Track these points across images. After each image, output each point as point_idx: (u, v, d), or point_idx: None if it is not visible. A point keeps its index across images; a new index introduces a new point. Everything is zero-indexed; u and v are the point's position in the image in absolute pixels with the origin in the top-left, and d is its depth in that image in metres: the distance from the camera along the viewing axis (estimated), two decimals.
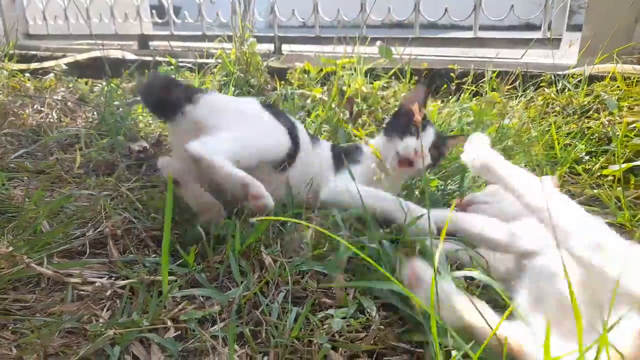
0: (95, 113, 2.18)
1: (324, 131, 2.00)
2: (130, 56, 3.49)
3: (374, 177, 1.29)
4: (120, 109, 2.13)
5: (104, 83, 2.26)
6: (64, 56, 3.55)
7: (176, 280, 1.01)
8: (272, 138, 1.26)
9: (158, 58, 3.12)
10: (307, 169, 1.35)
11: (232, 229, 1.10)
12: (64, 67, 3.22)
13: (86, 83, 3.05)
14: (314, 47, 3.30)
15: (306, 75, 2.64)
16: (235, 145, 1.16)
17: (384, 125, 1.56)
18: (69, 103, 2.34)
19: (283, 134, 1.30)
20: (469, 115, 1.86)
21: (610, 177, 1.64)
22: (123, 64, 3.08)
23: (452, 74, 2.51)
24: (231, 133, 1.18)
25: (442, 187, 1.50)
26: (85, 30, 4.00)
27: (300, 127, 1.41)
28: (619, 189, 1.40)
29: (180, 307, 0.96)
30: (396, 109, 1.48)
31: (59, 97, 2.45)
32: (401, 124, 1.39)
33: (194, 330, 0.90)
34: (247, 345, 0.87)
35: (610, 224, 1.41)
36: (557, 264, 0.72)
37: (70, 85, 2.83)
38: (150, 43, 4.02)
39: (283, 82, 2.64)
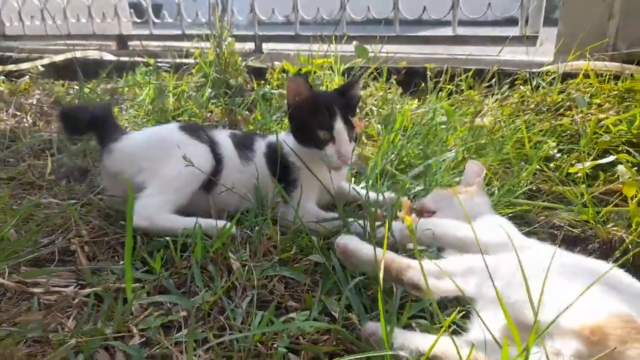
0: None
1: None
2: (108, 57, 3.46)
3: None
4: None
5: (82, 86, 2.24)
6: (40, 57, 3.51)
7: (143, 287, 1.02)
8: (196, 164, 1.25)
9: (137, 58, 3.10)
10: (238, 177, 1.36)
11: (195, 236, 1.11)
12: (41, 68, 3.18)
13: (63, 85, 3.02)
14: (294, 45, 3.30)
15: (285, 75, 2.64)
16: (166, 196, 1.24)
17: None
18: (44, 107, 2.31)
19: (204, 154, 1.32)
20: (442, 115, 1.89)
21: (579, 174, 1.67)
22: (101, 64, 3.05)
23: (428, 73, 2.53)
24: (155, 182, 1.24)
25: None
26: (62, 30, 3.95)
27: (221, 139, 1.41)
28: (583, 186, 1.42)
29: (146, 313, 0.96)
30: (289, 110, 1.34)
31: (34, 101, 2.42)
32: (307, 130, 1.29)
33: (161, 337, 0.91)
34: (212, 350, 0.89)
35: (576, 221, 1.46)
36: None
37: (46, 88, 2.80)
38: (129, 43, 3.99)
39: (263, 81, 2.64)
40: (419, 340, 0.77)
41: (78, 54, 3.55)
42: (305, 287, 1.06)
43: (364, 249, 0.93)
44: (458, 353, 0.68)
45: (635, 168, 1.54)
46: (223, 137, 1.43)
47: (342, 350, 0.87)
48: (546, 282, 0.68)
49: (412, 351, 0.76)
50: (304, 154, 1.30)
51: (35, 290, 0.98)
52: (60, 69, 3.36)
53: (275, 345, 0.83)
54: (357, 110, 1.52)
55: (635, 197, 1.29)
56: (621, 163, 1.47)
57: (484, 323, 0.71)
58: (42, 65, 3.27)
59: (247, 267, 1.08)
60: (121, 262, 1.15)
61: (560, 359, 0.67)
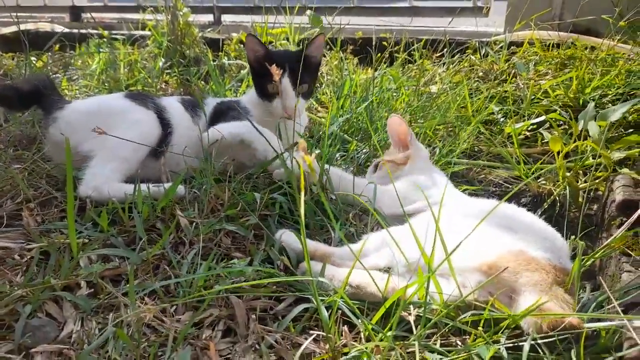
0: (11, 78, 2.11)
1: None
2: (60, 29, 3.35)
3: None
4: None
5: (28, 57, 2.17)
6: None
7: (91, 244, 1.05)
8: (142, 131, 1.30)
9: (90, 30, 3.01)
10: (190, 136, 1.40)
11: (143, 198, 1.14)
12: None
13: (12, 58, 2.91)
14: (253, 17, 3.27)
15: (242, 46, 2.64)
16: (114, 164, 1.25)
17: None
18: None
19: (150, 120, 1.35)
20: (390, 81, 1.95)
21: (521, 136, 1.77)
22: (53, 37, 2.95)
23: (384, 43, 2.58)
24: (102, 151, 1.26)
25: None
26: (11, 1, 3.78)
27: (169, 103, 1.45)
28: (514, 146, 1.52)
29: (92, 268, 1.00)
30: (251, 66, 1.46)
31: None
32: (259, 84, 1.43)
33: (108, 288, 0.95)
34: (158, 298, 0.94)
35: (511, 178, 1.56)
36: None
37: None
38: (83, 15, 3.86)
39: (220, 52, 2.63)
40: (343, 273, 0.85)
41: (29, 27, 3.42)
42: (250, 239, 1.12)
43: (295, 243, 1.04)
44: (374, 282, 0.76)
45: (567, 127, 1.66)
46: (171, 102, 1.46)
47: (281, 292, 0.94)
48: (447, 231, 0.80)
49: (340, 281, 0.84)
50: (258, 107, 1.45)
51: None
52: (9, 41, 3.23)
53: (216, 287, 0.89)
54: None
55: (561, 152, 1.40)
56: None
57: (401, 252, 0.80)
58: None
59: (194, 223, 1.13)
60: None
61: (466, 289, 0.77)
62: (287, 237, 1.05)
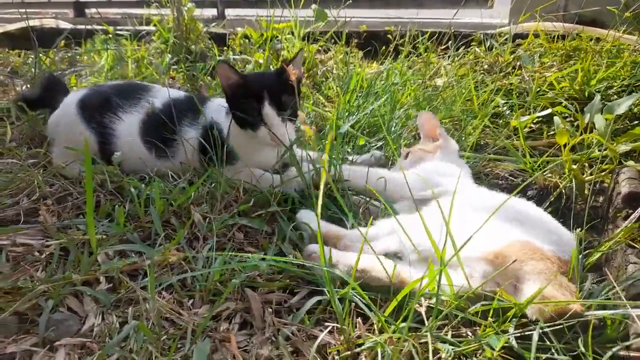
0: (28, 86, 2.14)
1: None
2: (65, 25, 3.36)
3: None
4: None
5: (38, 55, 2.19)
6: None
7: (108, 240, 1.08)
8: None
9: (95, 26, 3.03)
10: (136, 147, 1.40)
11: (153, 191, 1.16)
12: None
13: (19, 55, 2.93)
14: (256, 11, 3.27)
15: (247, 40, 2.65)
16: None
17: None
18: (0, 76, 2.27)
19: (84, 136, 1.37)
20: (396, 75, 1.96)
21: (527, 128, 1.79)
22: (58, 33, 2.97)
23: (389, 36, 2.59)
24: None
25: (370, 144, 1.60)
26: None
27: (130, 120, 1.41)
28: (520, 139, 1.54)
29: (112, 263, 1.03)
30: (225, 93, 1.33)
31: None
32: (239, 114, 1.28)
33: (127, 282, 0.97)
34: (175, 291, 0.96)
35: (517, 171, 1.58)
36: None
37: (1, 58, 2.73)
38: (87, 10, 3.87)
39: (225, 47, 2.64)
40: (349, 258, 0.88)
41: (33, 23, 3.43)
42: (263, 234, 1.14)
43: (313, 221, 1.10)
44: (383, 266, 0.79)
45: (572, 119, 1.67)
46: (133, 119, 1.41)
47: (294, 285, 0.96)
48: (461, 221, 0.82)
49: (346, 265, 0.87)
50: (242, 134, 1.32)
51: (2, 242, 1.02)
52: (15, 38, 3.25)
53: (233, 281, 0.91)
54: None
55: (567, 145, 1.41)
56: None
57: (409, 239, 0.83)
58: None
59: (207, 219, 1.15)
60: (86, 219, 1.19)
61: (473, 279, 0.79)
62: (306, 215, 1.11)
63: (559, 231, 0.99)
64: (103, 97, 1.42)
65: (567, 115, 1.69)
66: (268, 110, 1.24)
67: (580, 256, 0.95)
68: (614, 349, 0.69)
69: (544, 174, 1.50)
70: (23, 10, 3.73)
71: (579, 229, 1.11)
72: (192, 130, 1.38)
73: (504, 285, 0.79)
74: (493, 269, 0.80)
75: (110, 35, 2.73)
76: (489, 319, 0.77)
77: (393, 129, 1.62)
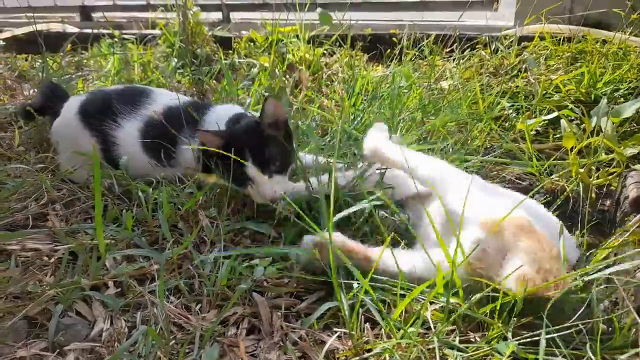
0: (36, 90, 2.15)
1: None
2: (71, 29, 3.38)
3: None
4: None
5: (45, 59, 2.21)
6: (0, 31, 3.40)
7: (116, 244, 1.08)
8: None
9: (101, 30, 3.05)
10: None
11: (161, 195, 1.17)
12: (1, 42, 3.10)
13: (26, 59, 2.95)
14: (262, 14, 3.29)
15: (252, 44, 2.66)
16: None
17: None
18: (8, 80, 2.29)
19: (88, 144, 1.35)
20: (402, 78, 1.96)
21: (533, 132, 1.78)
22: (64, 37, 2.99)
23: (394, 39, 2.59)
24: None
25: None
26: (22, 3, 3.82)
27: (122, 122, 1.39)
28: (527, 142, 1.53)
29: (120, 268, 1.03)
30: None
31: None
32: (224, 172, 1.21)
33: (135, 287, 0.98)
34: (183, 296, 0.97)
35: (524, 174, 1.58)
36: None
37: (9, 62, 2.75)
38: (93, 14, 3.89)
39: (230, 51, 2.65)
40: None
41: (40, 27, 3.45)
42: (270, 239, 1.15)
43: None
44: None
45: (578, 122, 1.67)
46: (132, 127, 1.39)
47: (302, 289, 0.96)
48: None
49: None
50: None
51: (12, 247, 1.03)
52: (23, 42, 3.27)
53: (241, 287, 0.91)
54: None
55: (574, 148, 1.41)
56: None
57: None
58: (2, 39, 3.18)
59: (215, 223, 1.16)
60: (94, 224, 1.20)
61: (466, 245, 0.80)
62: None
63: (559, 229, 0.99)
64: (103, 102, 1.41)
65: (573, 118, 1.69)
66: (252, 171, 1.17)
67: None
68: (623, 356, 0.69)
69: (551, 177, 1.50)
70: (30, 14, 3.76)
71: (580, 231, 1.11)
72: (192, 141, 1.32)
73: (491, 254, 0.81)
74: (486, 235, 0.81)
75: (116, 39, 2.76)
76: (495, 319, 0.77)
77: (399, 133, 1.62)
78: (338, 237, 0.97)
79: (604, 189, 1.44)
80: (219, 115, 1.36)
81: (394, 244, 0.97)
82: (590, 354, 0.69)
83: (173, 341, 0.84)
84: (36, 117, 1.56)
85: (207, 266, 1.02)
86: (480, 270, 0.80)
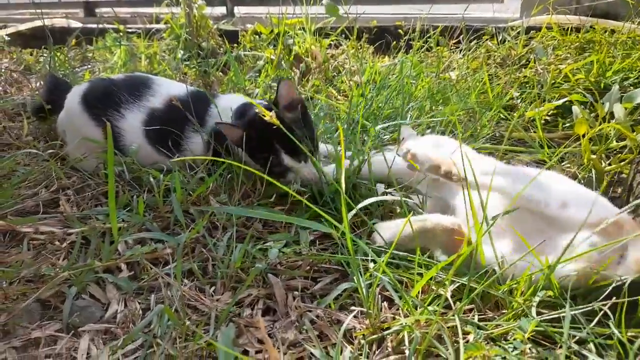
0: (41, 82, 2.15)
1: (274, 90, 2.06)
2: (75, 24, 3.38)
3: None
4: (68, 78, 2.10)
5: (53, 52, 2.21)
6: (4, 27, 3.40)
7: (128, 229, 1.08)
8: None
9: (106, 25, 3.05)
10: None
11: (175, 182, 1.16)
12: (6, 37, 3.10)
13: (31, 54, 2.96)
14: (265, 8, 3.28)
15: (258, 37, 2.65)
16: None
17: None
18: (14, 74, 2.29)
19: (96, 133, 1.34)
20: (410, 68, 1.95)
21: (542, 121, 1.77)
22: (69, 32, 2.99)
23: (400, 31, 2.58)
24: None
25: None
26: None
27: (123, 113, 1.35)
28: (538, 130, 1.52)
29: (132, 250, 1.03)
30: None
31: (3, 68, 2.39)
32: (259, 163, 1.21)
33: (150, 269, 0.97)
34: (197, 279, 0.96)
35: (534, 162, 1.56)
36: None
37: (14, 56, 2.75)
38: (97, 10, 3.89)
39: (235, 44, 2.65)
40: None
41: (45, 22, 3.45)
42: (282, 224, 1.14)
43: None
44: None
45: (588, 110, 1.66)
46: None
47: (315, 272, 0.96)
48: None
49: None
50: None
51: (25, 229, 1.03)
52: (27, 37, 3.28)
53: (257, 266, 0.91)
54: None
55: (586, 135, 1.39)
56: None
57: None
58: (7, 35, 3.17)
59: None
60: (105, 208, 1.20)
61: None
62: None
63: None
64: (105, 91, 1.38)
65: (583, 105, 1.67)
66: (287, 160, 1.19)
67: None
68: None
69: (562, 164, 1.49)
70: (33, 10, 3.76)
71: None
72: (196, 135, 1.30)
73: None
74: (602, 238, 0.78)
75: (122, 33, 2.75)
76: (517, 297, 0.76)
77: (407, 121, 1.61)
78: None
79: (616, 176, 1.42)
80: (226, 105, 1.32)
81: None
82: (615, 330, 0.68)
83: (188, 322, 0.84)
84: (47, 116, 1.55)
85: (221, 249, 1.01)
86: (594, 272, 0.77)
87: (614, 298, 0.70)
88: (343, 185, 0.84)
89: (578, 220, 0.77)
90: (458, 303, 0.78)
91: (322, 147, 1.39)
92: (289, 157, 1.18)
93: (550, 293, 0.75)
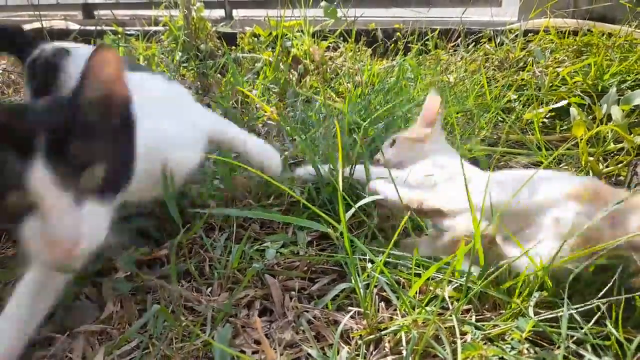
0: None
1: (273, 92, 2.06)
2: (74, 26, 3.38)
3: None
4: None
5: None
6: None
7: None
8: None
9: (104, 27, 3.04)
10: None
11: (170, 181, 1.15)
12: None
13: None
14: (265, 11, 3.28)
15: (256, 39, 2.65)
16: None
17: None
18: (11, 75, 2.28)
19: None
20: (408, 71, 1.95)
21: (540, 123, 1.77)
22: (67, 34, 2.99)
23: (398, 34, 2.59)
24: None
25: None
26: (24, 0, 3.82)
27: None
28: (535, 132, 1.53)
29: (129, 252, 1.02)
30: None
31: (0, 70, 2.39)
32: None
33: (145, 270, 0.97)
34: (193, 279, 0.96)
35: (531, 164, 1.57)
36: None
37: (12, 58, 2.74)
38: (96, 12, 3.89)
39: (234, 47, 2.65)
40: None
41: (43, 24, 3.45)
42: (280, 225, 1.14)
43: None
44: None
45: (586, 113, 1.66)
46: None
47: (312, 273, 0.95)
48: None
49: None
50: None
51: None
52: None
53: (254, 266, 0.90)
54: None
55: (584, 137, 1.40)
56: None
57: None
58: None
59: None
60: None
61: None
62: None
63: None
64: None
65: (581, 107, 1.68)
66: (40, 179, 0.60)
67: None
68: None
69: (560, 166, 1.49)
70: (32, 12, 3.76)
71: None
72: None
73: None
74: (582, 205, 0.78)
75: (120, 35, 2.75)
76: (516, 296, 0.75)
77: (406, 123, 1.61)
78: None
79: (613, 178, 1.43)
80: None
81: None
82: (612, 329, 0.68)
83: (185, 322, 0.83)
84: None
85: (218, 250, 1.01)
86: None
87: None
88: (341, 185, 0.84)
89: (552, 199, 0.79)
90: (456, 303, 0.77)
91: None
92: (49, 176, 0.60)
93: (548, 283, 0.75)
